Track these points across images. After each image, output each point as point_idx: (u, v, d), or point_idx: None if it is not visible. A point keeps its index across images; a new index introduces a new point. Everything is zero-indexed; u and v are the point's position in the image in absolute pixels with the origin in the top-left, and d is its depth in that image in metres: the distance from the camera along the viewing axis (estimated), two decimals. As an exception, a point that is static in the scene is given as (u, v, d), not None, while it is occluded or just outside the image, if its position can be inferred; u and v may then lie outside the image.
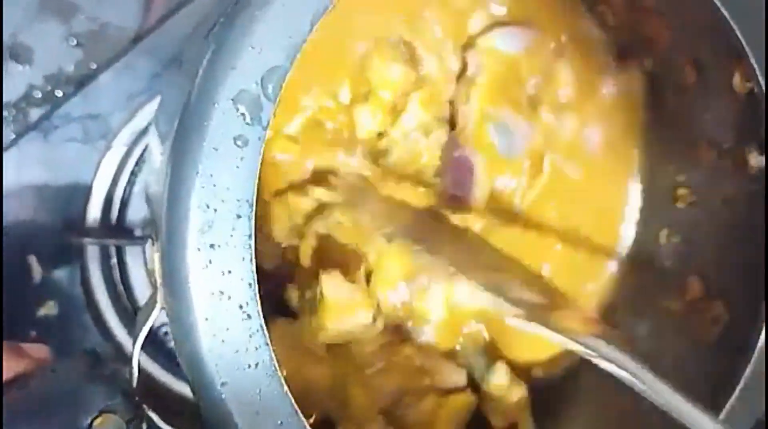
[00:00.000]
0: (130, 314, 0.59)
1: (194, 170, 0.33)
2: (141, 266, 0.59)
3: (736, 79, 0.47)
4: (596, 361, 0.41)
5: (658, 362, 0.52)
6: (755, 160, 0.48)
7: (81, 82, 0.62)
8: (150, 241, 0.36)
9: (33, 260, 0.57)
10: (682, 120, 0.54)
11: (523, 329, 0.45)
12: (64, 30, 0.62)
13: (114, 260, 0.59)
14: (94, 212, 0.59)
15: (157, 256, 0.34)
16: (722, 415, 0.45)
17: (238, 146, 0.33)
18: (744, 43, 0.44)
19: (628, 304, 0.57)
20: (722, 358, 0.49)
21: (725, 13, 0.44)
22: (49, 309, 0.58)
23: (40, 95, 0.61)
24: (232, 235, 0.34)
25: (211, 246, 0.33)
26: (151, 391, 0.37)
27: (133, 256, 0.59)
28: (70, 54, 0.62)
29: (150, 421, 0.35)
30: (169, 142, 0.34)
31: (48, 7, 0.61)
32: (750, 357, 0.45)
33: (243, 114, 0.33)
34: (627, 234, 0.58)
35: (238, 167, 0.33)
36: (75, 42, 0.62)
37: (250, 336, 0.34)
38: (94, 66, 0.62)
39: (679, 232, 0.55)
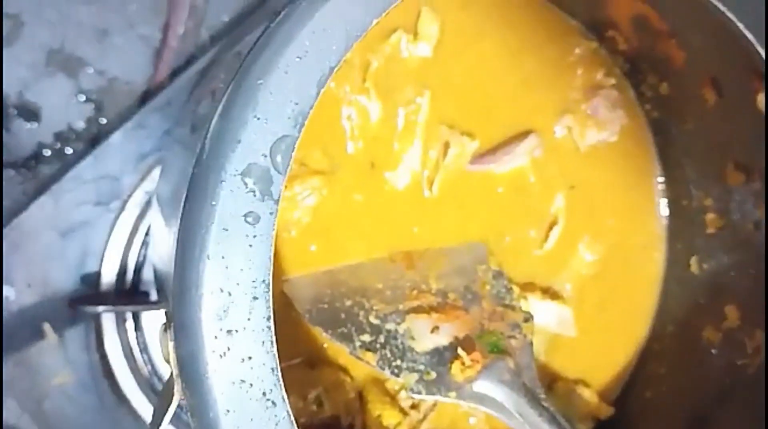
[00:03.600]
0: (148, 380, 0.55)
1: (204, 254, 0.29)
2: (158, 330, 0.56)
3: (760, 97, 0.43)
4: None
5: (702, 393, 0.48)
6: (788, 180, 0.44)
7: (91, 138, 0.59)
8: (163, 327, 0.32)
9: (47, 327, 0.54)
10: (705, 143, 0.50)
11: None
12: (72, 86, 0.59)
13: (130, 324, 0.55)
14: (108, 276, 0.55)
15: (171, 345, 0.30)
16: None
17: (250, 224, 0.30)
18: (765, 57, 0.40)
19: (667, 334, 0.53)
20: (765, 387, 0.45)
21: (741, 27, 0.40)
22: (63, 378, 0.54)
23: (50, 153, 0.58)
24: (249, 319, 0.30)
25: (228, 332, 0.30)
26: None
27: (149, 320, 0.56)
28: (79, 110, 0.59)
29: None
30: (176, 223, 0.30)
31: (55, 63, 0.59)
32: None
33: (252, 190, 0.30)
34: (656, 263, 0.54)
35: (251, 246, 0.30)
36: (84, 98, 0.59)
37: (276, 424, 0.30)
38: (104, 121, 0.59)
39: (710, 258, 0.51)
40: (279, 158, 0.30)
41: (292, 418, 0.31)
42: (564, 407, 0.51)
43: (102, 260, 0.57)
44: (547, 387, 0.52)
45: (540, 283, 0.52)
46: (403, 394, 0.47)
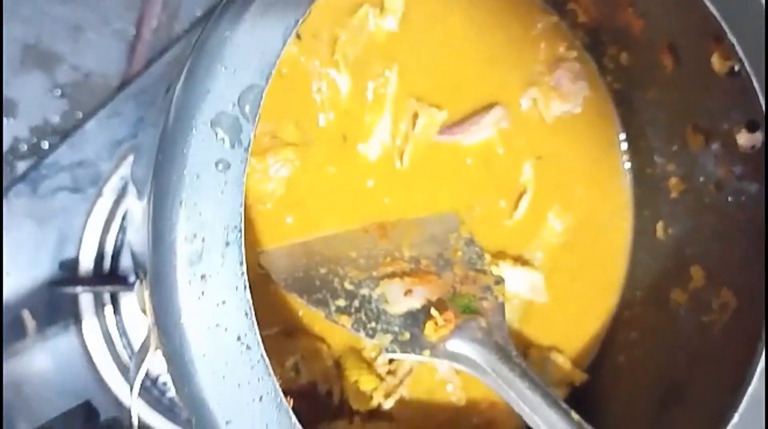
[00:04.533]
0: (127, 365, 0.56)
1: (177, 200, 0.30)
2: (137, 313, 0.56)
3: (715, 60, 0.45)
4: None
5: (673, 354, 0.49)
6: (744, 139, 0.45)
7: (67, 132, 0.59)
8: (140, 280, 0.33)
9: (26, 314, 0.54)
10: (666, 110, 0.51)
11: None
12: (48, 81, 0.59)
13: (109, 308, 0.56)
14: (86, 262, 0.56)
15: (146, 295, 0.31)
16: (743, 403, 0.41)
17: (221, 171, 0.30)
18: (720, 18, 0.41)
19: (637, 300, 0.54)
20: (734, 344, 0.46)
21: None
22: (43, 362, 0.55)
23: (26, 148, 0.59)
24: (222, 264, 0.31)
25: (202, 277, 0.30)
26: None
27: (128, 303, 0.56)
28: (55, 105, 0.59)
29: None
30: (150, 176, 0.31)
31: (30, 59, 0.59)
32: (764, 335, 0.42)
33: (222, 138, 0.30)
34: (624, 230, 0.55)
35: (222, 193, 0.30)
36: (60, 92, 0.59)
37: (252, 368, 0.31)
38: (80, 115, 0.60)
39: (675, 222, 0.52)
40: (247, 108, 0.31)
41: (267, 360, 0.31)
42: (538, 373, 0.51)
43: (80, 246, 0.57)
44: (522, 354, 0.52)
45: (511, 253, 0.53)
46: (380, 360, 0.48)
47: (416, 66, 0.49)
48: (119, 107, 0.58)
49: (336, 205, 0.48)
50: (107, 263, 0.57)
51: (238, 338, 0.31)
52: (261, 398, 0.31)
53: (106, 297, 0.56)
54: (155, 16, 0.63)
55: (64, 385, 0.56)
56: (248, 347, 0.31)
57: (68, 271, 0.56)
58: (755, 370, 0.42)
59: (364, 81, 0.48)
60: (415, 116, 0.49)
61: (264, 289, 0.46)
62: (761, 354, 0.42)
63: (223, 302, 0.31)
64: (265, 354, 0.31)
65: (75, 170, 0.57)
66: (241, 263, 0.31)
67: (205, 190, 0.30)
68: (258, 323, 0.46)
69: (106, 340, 0.57)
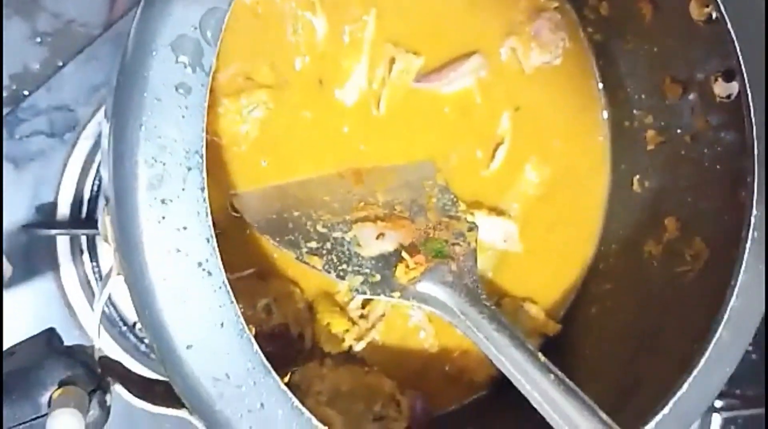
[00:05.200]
0: (104, 310, 0.55)
1: (137, 123, 0.30)
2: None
3: (693, 7, 0.44)
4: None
5: (645, 306, 0.49)
6: (721, 88, 0.45)
7: (47, 80, 0.59)
8: (104, 208, 0.32)
9: (3, 258, 0.54)
10: (644, 61, 0.51)
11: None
12: (28, 28, 0.58)
13: (86, 255, 0.55)
14: (63, 206, 0.55)
15: (108, 220, 0.31)
16: (710, 347, 0.42)
17: (181, 94, 0.30)
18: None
19: (611, 253, 0.54)
20: (704, 294, 0.46)
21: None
22: (21, 307, 0.54)
23: (6, 94, 0.58)
24: (183, 189, 0.30)
25: (163, 202, 0.30)
26: (116, 371, 0.33)
27: (106, 248, 0.56)
28: (35, 52, 0.59)
29: (112, 393, 0.31)
30: (111, 99, 0.31)
31: (10, 5, 0.58)
32: (733, 290, 0.42)
33: (183, 61, 0.30)
34: (601, 183, 0.55)
35: (183, 117, 0.30)
36: (39, 40, 0.58)
37: (213, 293, 0.31)
38: (60, 63, 0.59)
39: (651, 175, 0.52)
40: (209, 32, 0.30)
41: (228, 287, 0.31)
42: (511, 323, 0.52)
43: (57, 190, 0.57)
44: (495, 304, 0.53)
45: (487, 203, 0.52)
46: (352, 305, 0.48)
47: (395, 10, 0.49)
48: (97, 51, 0.57)
49: (311, 150, 0.48)
50: (85, 208, 0.57)
51: (199, 264, 0.31)
52: (222, 324, 0.31)
53: (84, 242, 0.56)
54: (138, -36, 0.62)
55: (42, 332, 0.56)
56: (209, 273, 0.31)
57: (45, 216, 0.56)
58: (722, 317, 0.42)
59: (341, 24, 0.48)
60: (392, 61, 0.48)
61: (238, 232, 0.46)
62: (729, 302, 0.42)
63: (184, 227, 0.30)
64: (227, 280, 0.31)
65: (52, 114, 0.57)
66: (203, 189, 0.30)
67: (165, 114, 0.30)
68: (232, 265, 0.46)
69: (83, 285, 0.57)
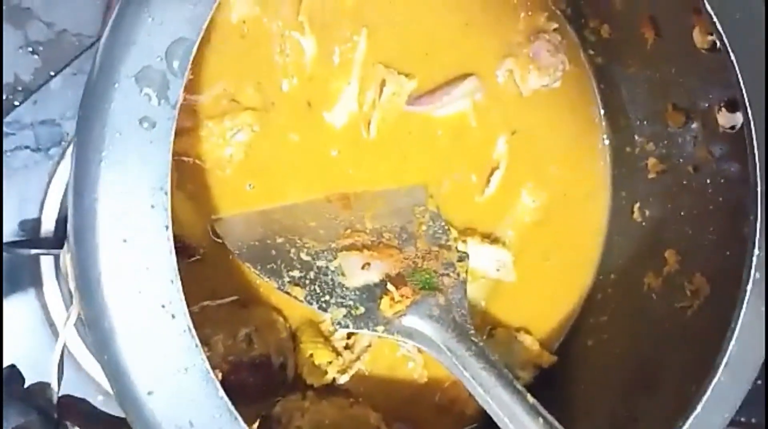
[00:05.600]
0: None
1: (97, 158, 0.28)
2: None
3: (696, 34, 0.43)
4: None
5: (643, 339, 0.48)
6: (725, 118, 0.43)
7: (39, 90, 0.57)
8: (66, 243, 0.31)
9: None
10: (647, 87, 0.49)
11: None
12: (20, 38, 0.57)
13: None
14: (48, 223, 0.54)
15: (68, 258, 0.29)
16: (708, 391, 0.40)
17: (146, 128, 0.29)
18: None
19: (609, 283, 0.52)
20: (704, 332, 0.44)
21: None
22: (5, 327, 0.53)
23: (-4, 105, 0.57)
24: (146, 228, 0.29)
25: (124, 241, 0.29)
26: (78, 412, 0.32)
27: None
28: (27, 62, 0.57)
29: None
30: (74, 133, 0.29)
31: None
32: (733, 332, 0.40)
33: (147, 94, 0.28)
34: (600, 211, 0.53)
35: (147, 152, 0.29)
36: (31, 50, 0.57)
37: (177, 337, 0.29)
38: (52, 74, 0.58)
39: (652, 204, 0.50)
40: (176, 63, 0.29)
41: (194, 332, 0.30)
42: (505, 354, 0.50)
43: (42, 207, 0.55)
44: (488, 333, 0.51)
45: (481, 229, 0.51)
46: (337, 335, 0.46)
47: (386, 30, 0.47)
48: (85, 65, 0.56)
49: (298, 174, 0.47)
50: (69, 226, 0.55)
51: (163, 306, 0.29)
52: (186, 369, 0.30)
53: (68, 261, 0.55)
54: (133, -26, 0.60)
55: (22, 348, 0.54)
56: (173, 316, 0.29)
57: (30, 232, 0.55)
58: (722, 360, 0.40)
59: (331, 45, 0.46)
60: (383, 84, 0.47)
61: (220, 258, 0.45)
62: (729, 344, 0.40)
63: (147, 268, 0.29)
64: (192, 324, 0.30)
65: (37, 129, 0.55)
66: (167, 228, 0.29)
67: (128, 148, 0.28)
68: (213, 292, 0.45)
69: (66, 302, 0.55)
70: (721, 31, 0.39)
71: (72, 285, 0.29)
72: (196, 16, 0.29)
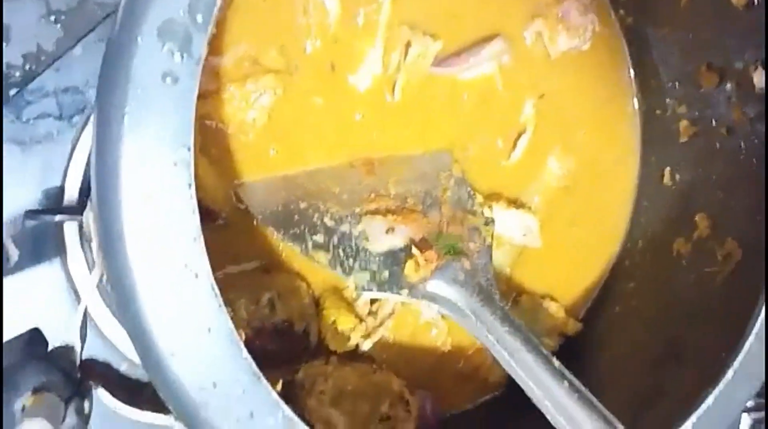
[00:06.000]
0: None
1: (120, 114, 0.28)
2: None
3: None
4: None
5: (672, 307, 0.47)
6: (760, 78, 0.41)
7: (61, 58, 0.57)
8: (89, 202, 0.31)
9: (9, 243, 0.52)
10: (679, 47, 0.48)
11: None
12: (42, 6, 0.56)
13: (96, 243, 0.54)
14: (71, 191, 0.54)
15: (91, 216, 0.29)
16: (738, 359, 0.39)
17: (168, 85, 0.28)
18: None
19: (638, 249, 0.51)
20: (734, 299, 0.43)
21: None
22: (26, 293, 0.53)
23: (18, 74, 0.56)
24: (169, 185, 0.28)
25: (148, 198, 0.28)
26: (100, 374, 0.31)
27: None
28: (49, 31, 0.56)
29: (93, 399, 0.30)
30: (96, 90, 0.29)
31: (21, -20, 0.56)
32: (765, 300, 0.39)
33: (170, 48, 0.28)
34: (629, 176, 0.52)
35: (169, 108, 0.28)
36: (53, 18, 0.57)
37: (199, 297, 0.29)
38: (74, 43, 0.57)
39: (683, 168, 0.49)
40: (199, 16, 0.28)
41: (217, 291, 0.29)
42: (530, 322, 0.49)
43: (65, 175, 0.55)
44: (513, 300, 0.50)
45: (507, 195, 0.50)
46: (360, 301, 0.46)
47: (412, -9, 0.46)
48: (107, 32, 0.55)
49: (322, 138, 0.46)
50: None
51: (186, 265, 0.29)
52: (209, 329, 0.29)
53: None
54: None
55: (46, 321, 0.54)
56: (196, 275, 0.29)
57: (53, 200, 0.54)
58: (753, 326, 0.39)
59: (355, 6, 0.45)
60: (408, 45, 0.46)
61: (243, 223, 0.44)
62: (759, 312, 0.39)
63: (169, 226, 0.29)
64: (215, 284, 0.29)
65: (60, 97, 0.55)
66: (190, 185, 0.29)
67: (150, 105, 0.28)
68: (235, 257, 0.44)
69: (91, 271, 0.55)
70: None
71: (95, 244, 0.29)
72: (218, -34, 0.28)
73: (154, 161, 0.28)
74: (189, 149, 0.28)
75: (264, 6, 0.43)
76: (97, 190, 0.28)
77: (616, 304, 0.51)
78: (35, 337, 0.31)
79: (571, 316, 0.51)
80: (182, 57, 0.28)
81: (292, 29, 0.44)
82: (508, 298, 0.50)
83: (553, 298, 0.51)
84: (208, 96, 0.43)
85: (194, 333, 0.29)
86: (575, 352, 0.51)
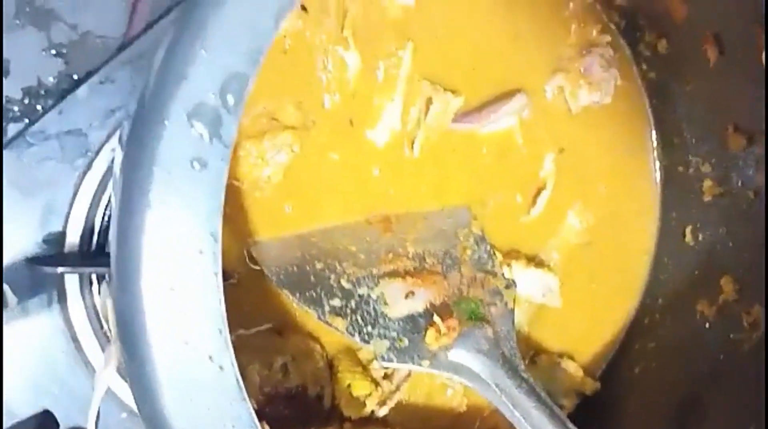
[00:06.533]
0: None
1: (144, 200, 0.26)
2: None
3: (764, 54, 0.40)
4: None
5: (694, 370, 0.46)
6: (791, 145, 0.41)
7: (61, 94, 0.55)
8: (106, 282, 0.29)
9: (7, 289, 0.51)
10: (705, 105, 0.47)
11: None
12: (43, 39, 0.55)
13: (95, 287, 0.52)
14: (73, 237, 0.52)
15: (109, 303, 0.28)
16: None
17: (196, 170, 0.27)
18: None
19: (658, 308, 0.50)
20: (761, 367, 0.42)
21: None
22: (24, 341, 0.52)
23: (17, 109, 0.55)
24: (194, 274, 0.27)
25: (171, 288, 0.27)
26: None
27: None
28: (50, 65, 0.55)
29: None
30: (119, 170, 0.27)
31: (24, 15, 0.55)
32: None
33: (200, 132, 0.27)
34: (649, 232, 0.51)
35: (197, 194, 0.27)
36: (54, 52, 0.55)
37: (224, 391, 0.28)
38: (75, 77, 0.56)
39: (706, 228, 0.48)
40: (231, 99, 0.27)
41: (242, 384, 0.28)
42: (547, 381, 0.48)
43: (67, 220, 0.54)
44: (530, 359, 0.49)
45: (526, 252, 0.49)
46: (375, 364, 0.44)
47: (432, 45, 0.45)
48: (113, 73, 0.54)
49: (338, 195, 0.45)
50: (95, 239, 0.53)
51: (210, 358, 0.27)
52: (233, 426, 0.28)
53: (93, 275, 0.53)
54: (159, -28, 0.58)
55: (45, 366, 0.53)
56: (221, 368, 0.28)
57: (53, 246, 0.53)
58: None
59: (375, 60, 0.44)
60: (429, 102, 0.45)
61: (256, 283, 0.43)
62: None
63: (194, 318, 0.27)
64: (239, 376, 0.28)
65: (63, 139, 0.53)
66: (216, 275, 0.27)
67: (177, 191, 0.26)
68: (248, 319, 0.43)
69: (91, 319, 0.53)
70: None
71: (112, 329, 0.28)
72: (253, 49, 0.27)
73: (179, 250, 0.27)
74: (216, 238, 0.27)
75: (283, 61, 0.42)
76: (118, 278, 0.27)
77: (636, 364, 0.50)
78: (46, 420, 0.29)
79: (589, 374, 0.50)
80: (212, 141, 0.27)
81: (311, 84, 0.43)
82: (525, 357, 0.49)
83: (570, 357, 0.50)
84: (223, 153, 0.41)
85: (218, 427, 0.28)
86: (593, 412, 0.50)
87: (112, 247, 0.27)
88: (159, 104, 0.26)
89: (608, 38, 0.48)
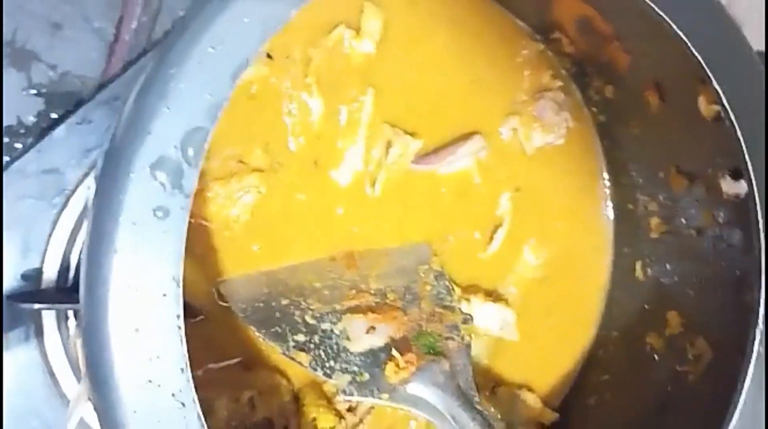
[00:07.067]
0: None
1: (112, 248, 0.28)
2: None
3: (701, 102, 0.43)
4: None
5: (644, 401, 0.48)
6: (728, 186, 0.43)
7: (41, 133, 0.57)
8: (76, 325, 0.31)
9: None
10: (650, 148, 0.49)
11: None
12: (23, 79, 0.57)
13: (72, 322, 0.54)
14: (50, 273, 0.54)
15: (79, 343, 0.29)
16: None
17: (159, 218, 0.29)
18: (705, 66, 0.40)
19: (611, 340, 0.52)
20: (707, 398, 0.44)
21: (684, 38, 0.40)
22: (2, 377, 0.53)
23: (-3, 148, 0.56)
24: (158, 317, 0.29)
25: (136, 330, 0.29)
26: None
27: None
28: (29, 104, 0.57)
29: None
30: (88, 222, 0.29)
31: (5, 56, 0.57)
32: (737, 399, 0.40)
33: (162, 183, 0.28)
34: (603, 267, 0.53)
35: (160, 242, 0.29)
36: (35, 92, 0.57)
37: (186, 426, 0.29)
38: (55, 116, 0.58)
39: (655, 263, 0.50)
40: (191, 151, 0.29)
41: (203, 420, 0.30)
42: (507, 412, 0.50)
43: (44, 256, 0.55)
44: (490, 391, 0.51)
45: (484, 286, 0.51)
46: (339, 397, 0.46)
47: (393, 90, 0.48)
48: (90, 114, 0.56)
49: (304, 233, 0.47)
50: (71, 275, 0.55)
51: (173, 395, 0.29)
52: (195, 458, 0.30)
53: (69, 311, 0.54)
54: (135, 17, 0.60)
55: (22, 399, 0.54)
56: (183, 404, 0.29)
57: (31, 282, 0.54)
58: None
59: (337, 105, 0.46)
60: (389, 144, 0.47)
61: (224, 319, 0.45)
62: (733, 412, 0.40)
63: (158, 357, 0.29)
64: (201, 412, 0.30)
65: (41, 178, 0.55)
66: (178, 317, 0.29)
67: (142, 238, 0.28)
68: (216, 354, 0.44)
69: (68, 352, 0.55)
70: (726, 104, 0.39)
71: (82, 371, 0.29)
72: (212, 104, 0.29)
73: (144, 294, 0.29)
74: (178, 283, 0.29)
75: (250, 106, 0.44)
76: (86, 322, 0.29)
77: (591, 395, 0.52)
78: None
79: (548, 405, 0.52)
80: (173, 191, 0.29)
81: (277, 128, 0.45)
82: (486, 389, 0.51)
83: (529, 389, 0.52)
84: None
85: (179, 461, 0.29)
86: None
87: (81, 291, 0.29)
88: (124, 158, 0.28)
89: (560, 83, 0.51)
